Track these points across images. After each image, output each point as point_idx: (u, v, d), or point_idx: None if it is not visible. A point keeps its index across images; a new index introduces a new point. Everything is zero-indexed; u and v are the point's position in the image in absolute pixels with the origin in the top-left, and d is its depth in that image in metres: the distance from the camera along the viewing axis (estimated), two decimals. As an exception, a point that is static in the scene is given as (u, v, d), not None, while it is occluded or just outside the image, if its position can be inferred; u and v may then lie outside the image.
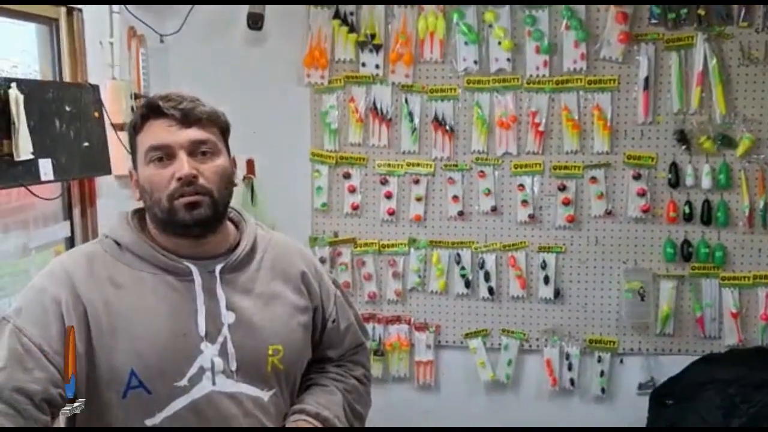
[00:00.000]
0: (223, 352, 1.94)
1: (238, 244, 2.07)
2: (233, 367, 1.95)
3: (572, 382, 4.43)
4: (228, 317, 1.97)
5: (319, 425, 2.08)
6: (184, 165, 1.89)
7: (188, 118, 1.92)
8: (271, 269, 2.12)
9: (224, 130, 2.04)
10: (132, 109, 3.75)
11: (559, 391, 4.46)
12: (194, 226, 1.93)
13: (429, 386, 4.57)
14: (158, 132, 1.91)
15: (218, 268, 1.99)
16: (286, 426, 2.07)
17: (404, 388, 4.57)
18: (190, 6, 4.27)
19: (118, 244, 1.97)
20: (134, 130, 1.97)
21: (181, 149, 1.90)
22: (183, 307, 1.94)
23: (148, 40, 4.13)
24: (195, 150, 1.92)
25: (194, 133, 1.92)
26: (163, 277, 1.94)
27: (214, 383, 1.93)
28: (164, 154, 1.91)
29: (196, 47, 4.38)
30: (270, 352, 2.03)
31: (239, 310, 1.99)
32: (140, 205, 2.04)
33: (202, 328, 1.92)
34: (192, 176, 1.89)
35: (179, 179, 1.88)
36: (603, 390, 4.41)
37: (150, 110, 1.93)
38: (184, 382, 1.89)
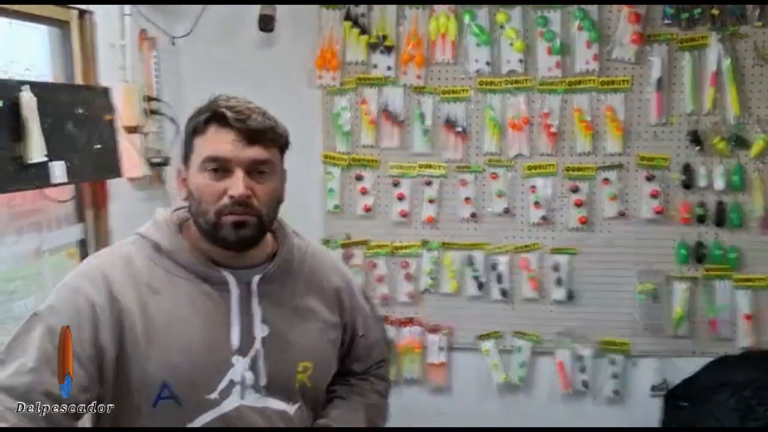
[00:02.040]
0: (254, 366, 1.91)
1: (275, 254, 2.03)
2: (263, 382, 1.92)
3: (585, 384, 4.41)
4: (261, 331, 1.93)
5: None
6: (240, 184, 1.84)
7: (254, 134, 1.86)
8: (306, 283, 2.08)
9: (284, 148, 1.99)
10: (144, 112, 3.75)
11: (572, 394, 4.44)
12: (237, 244, 1.90)
13: (441, 388, 4.55)
14: (220, 143, 1.85)
15: (255, 279, 1.95)
16: None
17: (417, 391, 4.55)
18: (201, 8, 4.28)
19: (156, 246, 1.93)
20: (193, 131, 1.90)
21: (239, 166, 1.85)
22: (217, 317, 1.90)
23: (160, 43, 4.13)
24: (253, 169, 1.87)
25: (256, 152, 1.86)
26: (199, 284, 1.90)
27: (242, 397, 1.90)
28: (221, 167, 1.85)
29: (208, 49, 4.38)
30: (300, 368, 2.00)
31: (272, 324, 1.95)
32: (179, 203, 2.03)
33: (235, 341, 1.89)
34: (245, 197, 1.84)
35: (231, 197, 1.83)
36: (616, 392, 4.39)
37: (215, 117, 1.87)
38: (214, 395, 1.86)
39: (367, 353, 2.28)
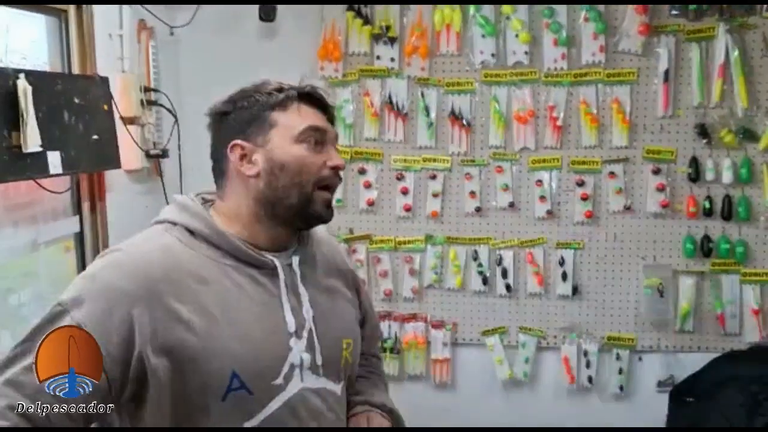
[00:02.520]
0: (309, 347, 1.90)
1: (300, 236, 2.01)
2: (319, 361, 1.91)
3: (590, 379, 4.38)
4: (310, 311, 1.93)
5: (387, 416, 2.15)
6: (339, 156, 1.93)
7: (331, 115, 1.97)
8: (327, 264, 2.09)
9: None
10: (142, 102, 3.71)
11: (577, 389, 4.41)
12: (323, 221, 1.95)
13: (446, 384, 4.52)
14: (316, 117, 1.92)
15: (296, 260, 1.94)
16: (354, 417, 2.11)
17: (421, 387, 4.52)
18: (201, -3, 4.23)
19: (190, 232, 1.87)
20: (277, 105, 1.89)
21: (330, 142, 1.93)
22: (270, 302, 1.87)
23: (158, 33, 4.09)
24: (335, 146, 1.97)
25: (335, 131, 1.98)
26: (246, 270, 1.86)
27: (302, 380, 1.88)
28: (319, 139, 1.90)
29: (207, 40, 4.33)
30: (344, 345, 2.03)
31: (316, 305, 1.95)
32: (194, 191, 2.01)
33: (291, 324, 1.87)
34: (343, 168, 1.94)
35: (334, 167, 1.90)
36: (621, 388, 4.36)
37: (301, 95, 1.91)
38: (279, 380, 1.83)
39: (371, 334, 2.33)
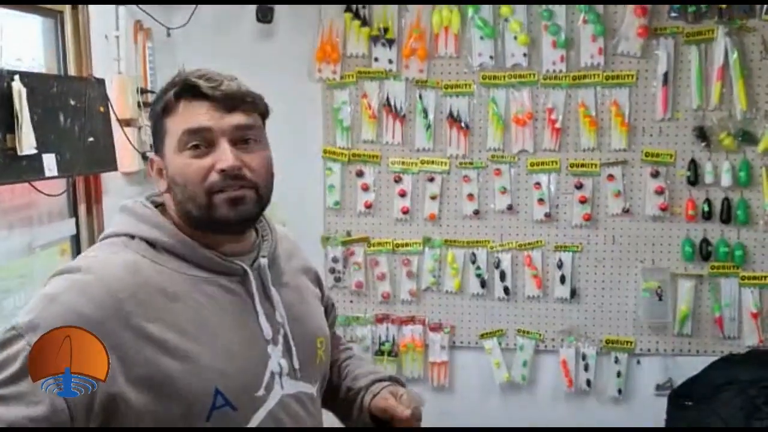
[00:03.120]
0: (286, 352, 1.81)
1: (260, 235, 1.91)
2: (296, 365, 1.83)
3: (588, 383, 4.37)
4: (283, 315, 1.83)
5: (401, 387, 2.06)
6: (227, 155, 1.68)
7: (232, 100, 1.71)
8: (290, 261, 1.99)
9: (265, 116, 1.84)
10: (139, 104, 3.68)
11: (576, 392, 4.40)
12: (237, 224, 1.75)
13: (443, 387, 4.51)
14: (196, 115, 1.69)
15: (263, 263, 1.82)
16: (370, 395, 2.03)
17: (418, 390, 4.39)
18: (197, -2, 4.22)
19: (151, 245, 1.73)
20: (163, 111, 1.72)
21: (223, 136, 1.69)
22: (243, 310, 1.77)
23: (155, 34, 4.06)
24: (238, 138, 1.71)
25: (238, 118, 1.71)
26: (216, 279, 1.75)
27: (282, 387, 1.79)
28: (202, 141, 1.68)
29: (204, 41, 4.32)
30: (318, 344, 1.94)
31: (288, 306, 1.86)
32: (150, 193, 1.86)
33: (267, 331, 1.78)
34: (237, 168, 1.68)
35: (221, 171, 1.67)
36: (620, 391, 4.35)
37: (185, 89, 1.70)
38: (261, 391, 1.74)
39: (333, 322, 2.27)
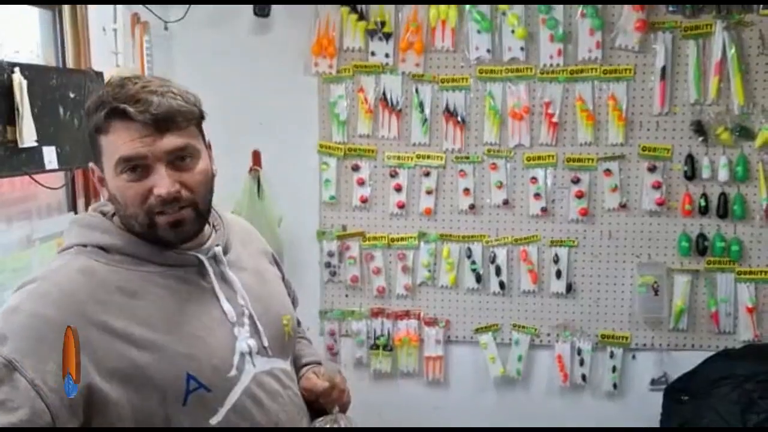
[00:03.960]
0: (253, 332, 1.90)
1: (212, 225, 1.98)
2: (266, 343, 1.92)
3: (584, 377, 4.38)
4: (245, 297, 1.91)
5: (321, 368, 2.18)
6: (164, 181, 1.72)
7: (163, 123, 1.72)
8: (245, 245, 2.09)
9: (200, 121, 1.86)
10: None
11: (571, 387, 4.40)
12: (179, 243, 1.83)
13: (438, 382, 4.51)
14: (129, 141, 1.71)
15: (218, 250, 1.91)
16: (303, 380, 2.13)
17: (413, 384, 4.52)
18: (195, -8, 4.21)
19: (104, 250, 1.79)
20: (96, 130, 1.75)
21: (159, 162, 1.73)
22: (203, 297, 1.85)
23: (152, 27, 4.04)
24: (174, 158, 1.75)
25: (172, 141, 1.74)
26: (172, 272, 1.82)
27: (254, 365, 1.87)
28: (138, 166, 1.72)
29: (201, 34, 4.31)
30: (284, 322, 2.04)
31: (249, 289, 1.94)
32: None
33: (231, 314, 1.86)
34: (175, 193, 1.74)
35: (158, 196, 1.73)
36: (615, 386, 4.36)
37: (115, 113, 1.71)
38: (233, 371, 1.82)
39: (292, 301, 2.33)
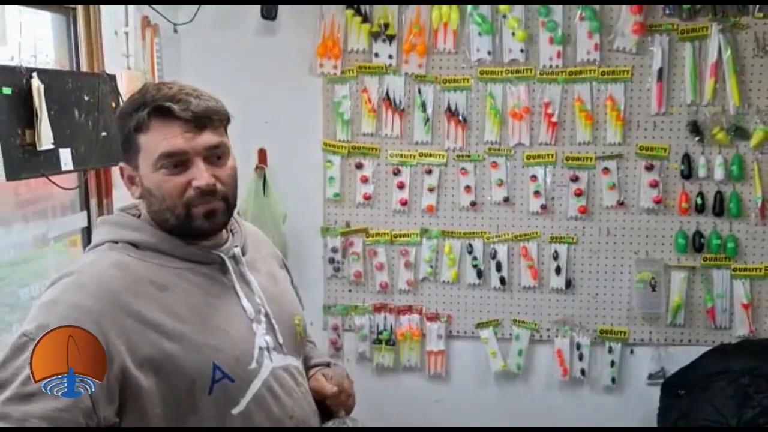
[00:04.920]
0: (269, 329, 2.00)
1: (229, 229, 2.09)
2: (281, 340, 2.02)
3: (583, 372, 4.43)
4: (261, 296, 2.02)
5: (329, 371, 2.25)
6: (203, 174, 1.86)
7: (201, 121, 1.87)
8: (258, 249, 2.19)
9: (228, 123, 2.00)
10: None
11: (570, 381, 4.46)
12: (212, 233, 1.96)
13: (440, 376, 4.56)
14: (172, 137, 1.84)
15: (237, 251, 2.02)
16: (312, 380, 2.20)
17: (415, 378, 4.58)
18: (203, -5, 4.27)
19: (134, 246, 1.91)
20: (136, 129, 1.86)
21: (197, 156, 1.86)
22: (226, 294, 1.96)
23: (162, 30, 4.11)
24: (210, 155, 1.89)
25: (209, 138, 1.88)
26: (198, 269, 1.94)
27: (272, 360, 1.97)
28: (178, 161, 1.85)
29: (209, 37, 4.38)
30: (296, 321, 2.14)
31: (263, 289, 2.05)
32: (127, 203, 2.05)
33: (250, 311, 1.97)
34: (212, 185, 1.87)
35: (198, 188, 1.86)
36: (613, 380, 4.41)
37: (157, 111, 1.84)
38: (254, 364, 1.92)
39: None
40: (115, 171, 3.49)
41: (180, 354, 1.79)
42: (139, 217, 1.98)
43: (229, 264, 1.98)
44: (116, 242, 1.91)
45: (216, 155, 1.91)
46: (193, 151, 1.85)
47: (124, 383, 1.73)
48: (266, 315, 2.01)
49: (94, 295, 1.76)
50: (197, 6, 4.21)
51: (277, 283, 2.18)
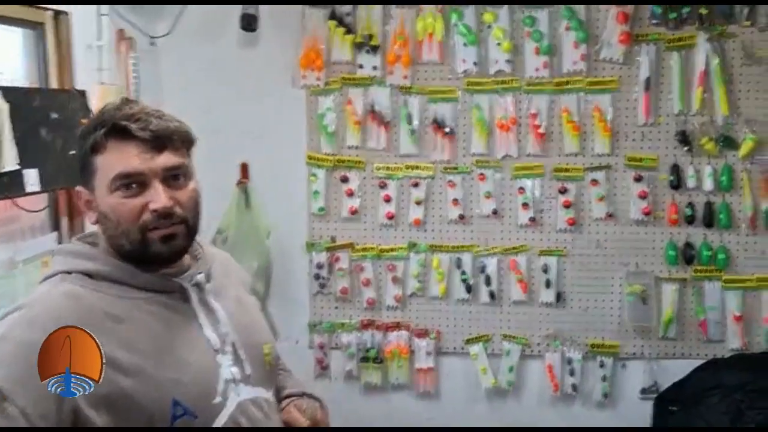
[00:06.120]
0: (236, 361, 1.90)
1: (193, 255, 2.00)
2: (248, 371, 1.91)
3: (574, 387, 4.37)
4: (227, 325, 1.92)
5: (313, 400, 2.19)
6: (160, 196, 1.76)
7: (161, 141, 1.78)
8: (227, 275, 2.10)
9: (191, 145, 1.90)
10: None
11: (561, 397, 4.40)
12: (169, 259, 1.85)
13: (429, 394, 4.50)
14: (127, 157, 1.76)
15: (201, 278, 1.92)
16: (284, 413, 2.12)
17: (404, 396, 4.51)
18: (181, 7, 4.22)
19: (89, 276, 1.80)
20: (92, 149, 1.78)
21: (155, 178, 1.77)
22: (187, 324, 1.86)
23: (139, 43, 4.05)
24: (168, 176, 1.80)
25: (168, 159, 1.79)
26: (157, 298, 1.83)
27: (238, 394, 1.87)
28: (135, 182, 1.76)
29: (188, 49, 4.32)
30: (266, 351, 2.03)
31: (231, 317, 1.95)
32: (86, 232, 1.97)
33: (215, 341, 1.87)
34: (169, 208, 1.78)
35: (154, 211, 1.76)
36: (605, 395, 4.36)
37: (114, 130, 1.76)
38: (218, 398, 1.82)
39: None
40: (85, 191, 3.44)
41: (137, 390, 1.70)
42: (96, 245, 1.90)
43: (191, 292, 1.88)
44: (69, 272, 1.82)
45: (175, 176, 1.82)
46: (150, 172, 1.76)
47: (76, 422, 1.64)
48: (233, 345, 1.91)
49: (44, 330, 1.63)
50: (175, 18, 4.15)
51: (246, 310, 2.08)
